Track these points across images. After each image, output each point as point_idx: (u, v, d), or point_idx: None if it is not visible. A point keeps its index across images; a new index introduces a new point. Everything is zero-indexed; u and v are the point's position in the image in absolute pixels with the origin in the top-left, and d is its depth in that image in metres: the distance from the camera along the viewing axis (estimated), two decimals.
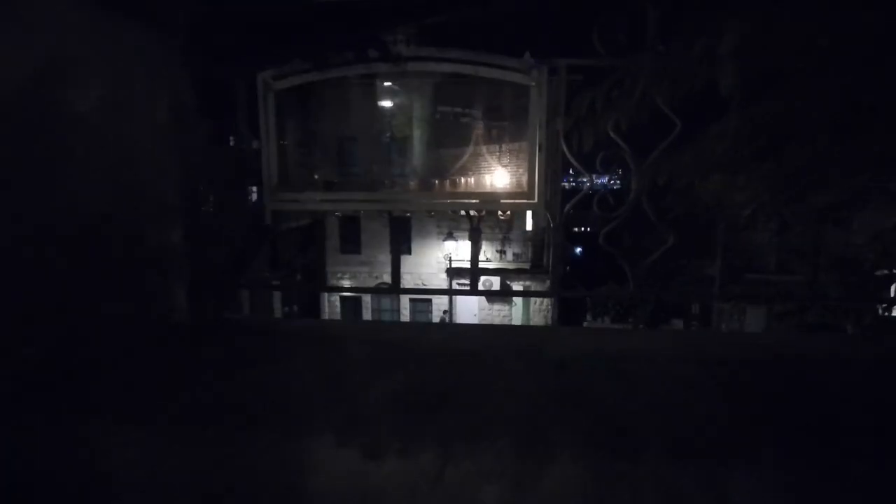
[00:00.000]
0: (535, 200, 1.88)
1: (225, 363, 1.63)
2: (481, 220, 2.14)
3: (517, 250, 16.57)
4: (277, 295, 17.06)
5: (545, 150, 1.79)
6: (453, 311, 16.57)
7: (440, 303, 16.75)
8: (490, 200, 1.99)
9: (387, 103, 2.11)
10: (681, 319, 16.69)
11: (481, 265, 16.25)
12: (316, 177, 2.29)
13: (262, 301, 17.07)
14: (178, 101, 1.87)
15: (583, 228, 34.62)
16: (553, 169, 1.84)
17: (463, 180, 2.03)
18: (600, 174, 1.76)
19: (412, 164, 2.10)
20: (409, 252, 16.29)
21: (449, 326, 5.36)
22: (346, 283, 16.99)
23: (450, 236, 15.99)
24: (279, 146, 2.06)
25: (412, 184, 2.09)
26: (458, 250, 16.04)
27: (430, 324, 7.90)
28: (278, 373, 1.55)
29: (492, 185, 1.99)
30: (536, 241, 16.63)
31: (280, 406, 1.33)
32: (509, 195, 1.93)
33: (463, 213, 2.18)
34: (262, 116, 2.00)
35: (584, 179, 1.88)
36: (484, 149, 1.98)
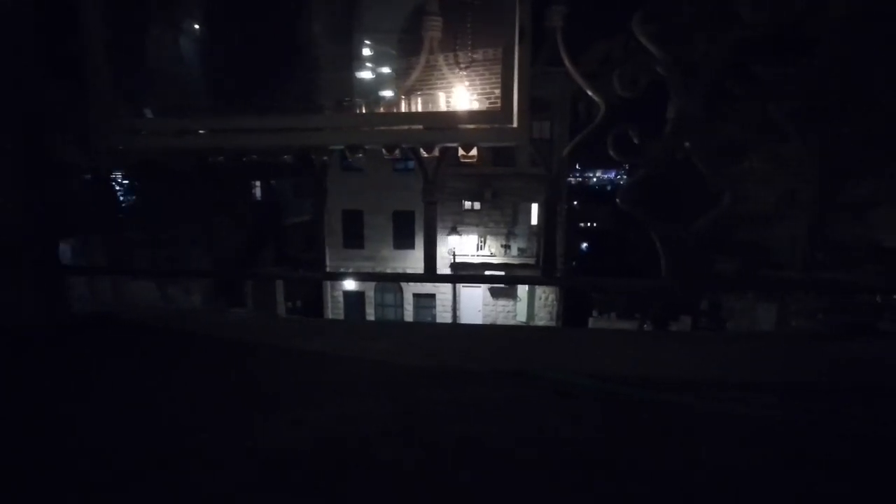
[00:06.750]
0: (515, 125, 1.29)
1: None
2: (442, 162, 1.48)
3: (522, 245, 16.25)
4: (280, 288, 16.89)
5: (526, 47, 1.22)
6: (457, 307, 16.32)
7: (444, 298, 16.49)
8: (442, 127, 1.36)
9: None
10: (689, 316, 16.31)
11: (485, 261, 15.96)
12: (167, 100, 1.54)
13: (267, 294, 16.95)
14: None
15: (589, 223, 34.00)
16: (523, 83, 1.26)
17: (405, 103, 1.45)
18: (619, 95, 1.26)
19: (325, 77, 1.47)
20: (412, 247, 16.08)
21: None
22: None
23: (453, 231, 15.77)
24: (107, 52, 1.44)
25: (325, 108, 1.48)
26: (462, 245, 15.80)
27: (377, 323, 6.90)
28: None
29: (448, 107, 1.41)
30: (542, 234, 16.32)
31: None
32: (472, 118, 1.34)
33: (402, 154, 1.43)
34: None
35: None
36: (441, 59, 1.39)
